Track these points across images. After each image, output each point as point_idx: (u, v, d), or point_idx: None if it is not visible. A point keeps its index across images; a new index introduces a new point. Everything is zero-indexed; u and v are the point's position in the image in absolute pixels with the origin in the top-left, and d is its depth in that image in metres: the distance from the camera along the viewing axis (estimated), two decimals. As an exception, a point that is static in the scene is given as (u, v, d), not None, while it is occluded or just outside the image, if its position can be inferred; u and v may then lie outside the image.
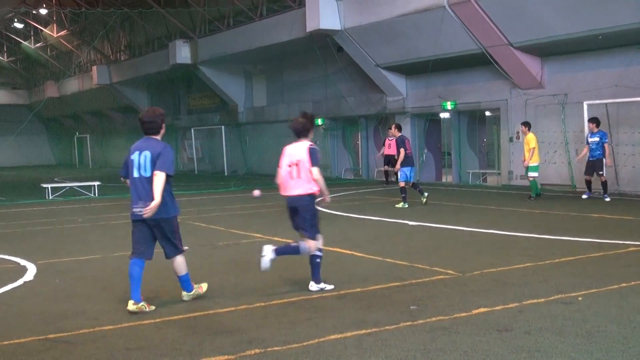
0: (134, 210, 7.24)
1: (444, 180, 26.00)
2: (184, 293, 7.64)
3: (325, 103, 29.91)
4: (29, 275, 9.23)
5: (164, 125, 7.53)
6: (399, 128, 18.00)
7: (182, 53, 33.96)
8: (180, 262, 7.57)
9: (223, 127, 36.46)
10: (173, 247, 7.50)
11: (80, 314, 7.11)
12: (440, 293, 7.60)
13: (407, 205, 16.78)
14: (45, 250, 11.62)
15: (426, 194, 17.33)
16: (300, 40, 26.55)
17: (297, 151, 8.03)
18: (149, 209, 6.99)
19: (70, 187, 23.94)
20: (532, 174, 17.86)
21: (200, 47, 33.27)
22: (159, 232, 7.37)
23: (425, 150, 26.13)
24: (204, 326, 6.53)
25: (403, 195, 16.94)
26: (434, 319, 6.52)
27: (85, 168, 50.51)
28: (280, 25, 27.30)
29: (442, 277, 8.45)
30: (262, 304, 7.31)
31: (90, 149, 52.76)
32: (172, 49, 34.32)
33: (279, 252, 8.03)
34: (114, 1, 36.14)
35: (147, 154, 7.23)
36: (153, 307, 7.24)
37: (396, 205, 16.97)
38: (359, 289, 7.88)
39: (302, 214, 7.96)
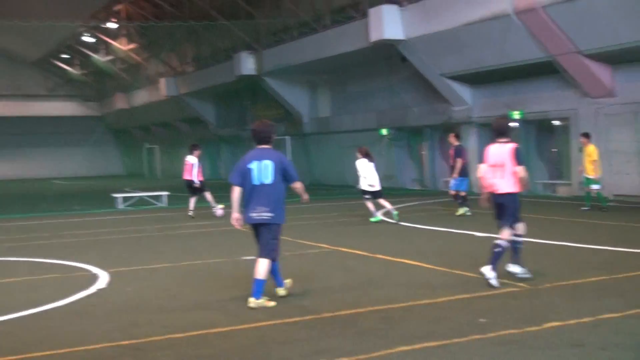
0: (251, 214, 7.78)
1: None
2: (279, 290, 8.23)
3: (390, 113, 29.82)
4: (102, 283, 9.44)
5: (273, 135, 8.16)
6: (458, 136, 17.81)
7: (247, 64, 34.37)
8: (263, 264, 7.90)
9: (288, 137, 36.70)
10: (264, 249, 7.89)
11: (150, 322, 7.23)
12: (511, 306, 7.47)
13: (469, 212, 16.94)
14: (117, 258, 11.87)
15: (464, 210, 17.15)
16: (364, 50, 26.56)
17: (501, 152, 8.73)
18: (305, 198, 8.38)
19: (140, 196, 24.42)
20: (595, 186, 17.49)
21: (265, 59, 33.61)
22: (262, 235, 7.89)
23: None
24: (271, 336, 6.56)
25: (459, 201, 17.25)
26: (504, 332, 6.40)
27: (154, 178, 51.50)
28: (344, 35, 27.37)
29: (512, 289, 8.30)
30: (330, 314, 7.31)
31: (159, 160, 53.80)
32: (237, 60, 34.76)
33: (494, 266, 8.56)
34: (180, 14, 36.82)
35: (267, 162, 7.80)
36: (273, 303, 7.74)
37: (456, 214, 17.12)
38: (427, 301, 7.80)
39: (507, 210, 8.74)
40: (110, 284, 9.44)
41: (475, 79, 24.29)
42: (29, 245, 13.97)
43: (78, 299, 8.47)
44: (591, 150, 17.25)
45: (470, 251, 11.63)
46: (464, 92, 25.27)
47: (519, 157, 8.63)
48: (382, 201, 16.48)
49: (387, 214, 16.71)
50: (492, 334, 6.33)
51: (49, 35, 46.93)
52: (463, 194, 17.37)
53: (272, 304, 7.81)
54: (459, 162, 17.08)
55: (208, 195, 19.01)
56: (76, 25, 42.14)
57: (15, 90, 62.04)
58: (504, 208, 8.76)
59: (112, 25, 45.12)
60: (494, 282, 8.41)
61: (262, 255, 7.88)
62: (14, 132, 61.85)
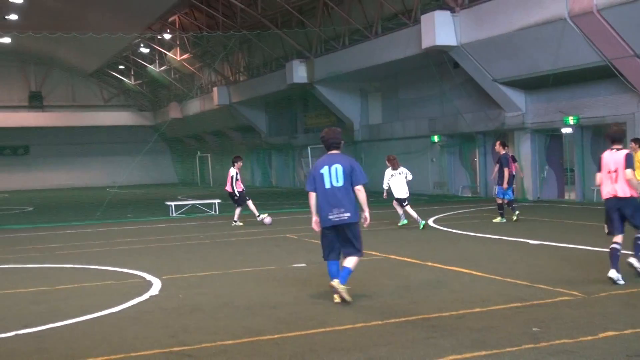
0: (330, 217, 8.26)
1: (566, 197, 25.11)
2: (334, 281, 8.35)
3: (442, 120, 29.61)
4: (155, 290, 9.56)
5: (342, 141, 8.70)
6: (504, 145, 17.64)
7: (299, 72, 34.54)
8: (351, 261, 8.42)
9: (339, 145, 36.69)
10: (353, 248, 8.42)
11: (202, 329, 7.29)
12: (564, 315, 7.32)
13: (504, 220, 17.16)
14: (170, 265, 12.02)
15: (517, 212, 17.47)
16: (416, 57, 26.44)
17: (616, 158, 9.06)
18: (367, 221, 8.53)
19: (192, 204, 24.69)
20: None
21: (316, 67, 33.74)
22: (343, 235, 8.35)
23: (547, 167, 25.36)
24: (321, 343, 6.55)
25: (500, 211, 17.42)
26: (557, 342, 6.28)
27: (207, 186, 52.06)
28: (395, 42, 27.29)
29: (566, 298, 8.14)
30: (380, 322, 7.27)
31: (211, 168, 54.39)
32: (289, 68, 34.97)
33: (617, 267, 8.94)
34: (233, 24, 37.21)
35: (338, 166, 8.30)
36: (349, 299, 8.17)
37: (493, 220, 17.37)
38: (478, 309, 7.70)
39: (630, 212, 9.01)
40: (162, 290, 9.56)
41: (529, 84, 23.95)
42: (84, 253, 14.25)
43: (131, 306, 8.59)
44: None
45: (524, 259, 11.44)
46: (518, 97, 24.93)
47: (629, 161, 8.95)
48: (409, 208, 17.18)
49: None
50: (545, 344, 6.21)
51: (106, 47, 47.91)
52: (500, 201, 17.47)
53: (348, 298, 8.19)
54: (507, 173, 17.15)
55: (250, 205, 19.22)
56: (132, 36, 42.92)
57: (73, 101, 63.55)
58: (623, 212, 9.02)
59: (166, 36, 45.83)
60: (621, 281, 8.78)
61: (353, 253, 8.42)
62: (72, 141, 63.36)
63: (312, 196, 8.40)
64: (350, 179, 8.27)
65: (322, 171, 8.32)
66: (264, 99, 42.89)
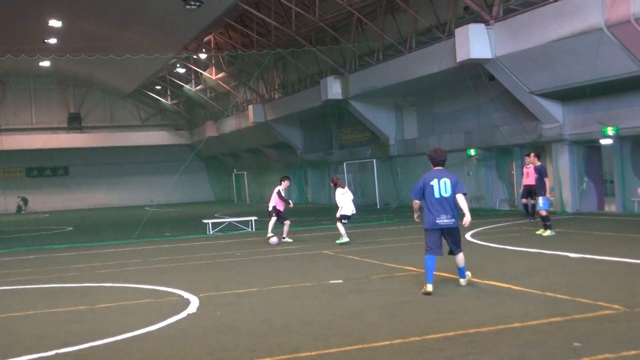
0: (437, 221, 9.97)
1: (606, 209, 24.71)
2: (461, 280, 10.35)
3: (478, 133, 29.40)
4: (192, 308, 9.60)
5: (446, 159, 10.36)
6: (539, 156, 17.61)
7: (334, 89, 34.61)
8: (461, 257, 10.24)
9: (374, 160, 36.68)
10: (458, 246, 10.18)
11: (239, 346, 7.29)
12: (606, 329, 7.18)
13: (554, 233, 16.86)
14: (207, 283, 12.06)
15: (544, 231, 17.21)
16: (451, 70, 26.34)
17: None
18: (467, 222, 9.97)
19: (229, 222, 24.81)
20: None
21: (350, 82, 33.79)
22: (450, 236, 10.10)
23: (586, 179, 25.01)
24: (359, 360, 6.51)
25: (548, 223, 17.15)
26: (599, 356, 6.16)
27: (243, 204, 52.31)
28: (429, 56, 27.23)
29: (608, 312, 7.99)
30: (418, 338, 7.20)
31: (247, 185, 54.64)
32: (323, 85, 35.07)
33: None
34: (267, 42, 37.49)
35: (446, 180, 10.02)
36: (430, 289, 9.63)
37: (543, 234, 17.05)
38: (517, 324, 7.58)
39: None
40: (200, 308, 9.59)
41: (566, 95, 23.68)
42: (122, 271, 14.38)
43: (170, 324, 8.63)
44: None
45: (563, 272, 11.27)
46: (555, 109, 24.67)
47: None
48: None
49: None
50: (586, 359, 6.09)
51: (142, 68, 48.61)
52: (544, 213, 17.24)
53: (469, 282, 10.27)
54: (547, 183, 17.29)
55: (271, 222, 19.13)
56: (168, 57, 43.46)
57: (110, 121, 64.51)
58: None
59: (202, 55, 46.31)
60: None
61: (458, 250, 10.20)
62: (109, 161, 64.23)
63: (416, 202, 10.36)
64: (454, 190, 9.95)
65: (432, 183, 10.01)
66: (299, 115, 43.05)
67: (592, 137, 23.88)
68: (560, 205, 24.94)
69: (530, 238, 16.70)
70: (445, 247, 10.18)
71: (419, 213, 10.53)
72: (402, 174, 35.23)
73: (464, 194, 10.09)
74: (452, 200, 9.97)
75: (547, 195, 17.09)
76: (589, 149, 24.96)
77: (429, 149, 10.71)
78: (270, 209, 19.20)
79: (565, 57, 21.56)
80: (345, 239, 17.76)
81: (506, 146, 27.37)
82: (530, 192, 19.71)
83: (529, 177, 19.40)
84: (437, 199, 9.96)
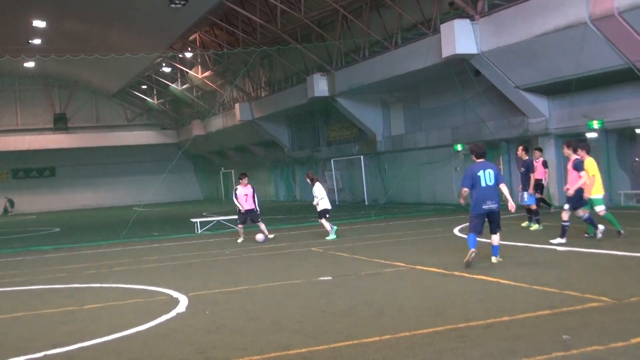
0: (484, 207, 11.48)
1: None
2: (493, 257, 11.85)
3: (464, 129, 29.48)
4: (181, 307, 9.58)
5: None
6: (527, 150, 17.84)
7: (320, 86, 34.59)
8: (498, 237, 11.79)
9: (362, 156, 36.72)
10: (498, 227, 11.75)
11: (229, 344, 7.29)
12: (595, 321, 7.22)
13: (541, 227, 17.00)
14: (196, 282, 12.04)
15: (536, 226, 17.28)
16: (436, 66, 26.38)
17: None
18: (513, 207, 11.72)
19: (217, 220, 24.77)
20: (598, 208, 14.16)
21: (337, 79, 33.79)
22: (493, 218, 11.62)
23: (572, 172, 25.10)
24: (349, 356, 6.51)
25: (537, 217, 17.35)
26: (588, 348, 6.19)
27: (231, 202, 52.16)
28: (415, 53, 27.27)
29: (596, 304, 8.03)
30: (407, 333, 7.22)
31: (235, 183, 54.55)
32: (309, 82, 35.06)
33: None
34: (253, 40, 37.42)
35: (490, 171, 11.54)
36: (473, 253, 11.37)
37: (530, 228, 17.20)
38: (506, 318, 7.62)
39: None
40: (189, 307, 9.58)
41: (552, 89, 23.78)
42: (111, 272, 14.34)
43: (159, 323, 8.62)
44: (588, 163, 14.20)
45: (552, 266, 11.33)
46: (541, 103, 24.77)
47: None
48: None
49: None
50: (575, 351, 6.13)
51: (128, 67, 48.40)
52: (534, 207, 17.43)
53: (498, 260, 11.71)
54: (532, 177, 17.40)
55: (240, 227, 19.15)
56: (153, 56, 43.31)
57: (97, 121, 64.24)
58: None
59: (187, 54, 46.19)
60: None
61: (497, 230, 11.76)
62: (96, 161, 63.96)
63: (466, 190, 11.73)
64: (497, 180, 11.51)
65: (479, 174, 11.48)
66: (286, 113, 43.02)
67: (577, 131, 23.99)
68: (548, 199, 25.02)
69: (518, 232, 16.77)
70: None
71: (464, 198, 12.05)
72: (389, 170, 35.29)
73: (504, 183, 11.77)
74: (494, 188, 11.50)
75: (531, 190, 17.22)
76: (578, 143, 25.02)
77: (470, 145, 12.32)
78: (243, 209, 18.98)
79: (551, 51, 21.64)
80: (334, 234, 17.79)
81: (493, 141, 27.45)
82: (538, 185, 19.34)
83: (538, 171, 19.14)
84: (483, 187, 11.44)
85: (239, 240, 18.78)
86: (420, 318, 7.94)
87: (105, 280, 12.89)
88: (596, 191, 13.87)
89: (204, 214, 33.62)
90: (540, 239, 14.93)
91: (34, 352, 7.39)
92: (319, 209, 18.35)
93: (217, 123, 52.60)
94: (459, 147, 29.60)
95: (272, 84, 44.41)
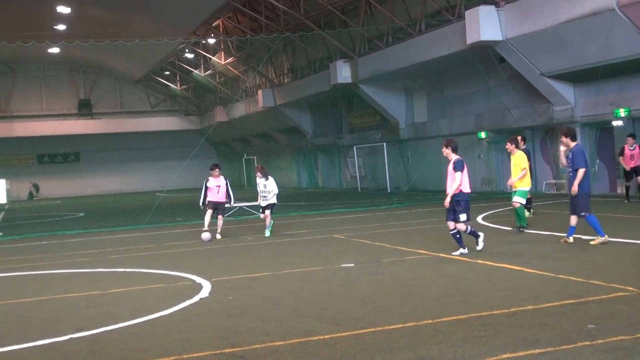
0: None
1: (619, 191, 24.57)
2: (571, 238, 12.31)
3: (488, 116, 29.27)
4: (204, 292, 9.62)
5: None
6: (524, 140, 17.60)
7: (343, 73, 34.48)
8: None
9: (385, 144, 36.60)
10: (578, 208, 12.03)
11: (252, 330, 7.30)
12: (620, 311, 7.14)
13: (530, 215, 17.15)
14: (219, 268, 12.09)
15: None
16: (461, 53, 26.19)
17: None
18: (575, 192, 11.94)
19: (240, 207, 24.83)
20: (518, 199, 14.49)
21: (360, 66, 33.65)
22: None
23: (597, 161, 24.87)
24: (371, 343, 6.50)
25: (529, 205, 17.29)
26: (614, 338, 6.13)
27: (253, 188, 52.26)
28: (439, 39, 27.07)
29: (622, 294, 7.95)
30: (430, 321, 7.19)
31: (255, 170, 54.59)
32: (332, 69, 34.95)
33: None
34: (276, 26, 37.35)
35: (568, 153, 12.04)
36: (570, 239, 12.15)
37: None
38: (530, 307, 7.56)
39: None
40: (212, 292, 9.61)
41: (578, 77, 23.52)
42: (135, 257, 14.44)
43: (182, 308, 8.66)
44: (518, 157, 14.69)
45: (576, 255, 11.23)
46: (566, 91, 24.51)
47: None
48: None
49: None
50: (600, 341, 6.07)
51: (151, 53, 48.54)
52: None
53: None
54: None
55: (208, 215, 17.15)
56: (177, 42, 43.39)
57: (120, 107, 64.65)
58: None
59: (210, 40, 46.23)
60: None
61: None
62: (120, 147, 64.42)
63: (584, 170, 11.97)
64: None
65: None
66: (309, 100, 42.97)
67: (604, 119, 23.73)
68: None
69: (542, 220, 16.64)
70: None
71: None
72: (412, 158, 35.16)
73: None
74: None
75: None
76: (601, 131, 24.80)
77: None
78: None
79: (577, 38, 21.39)
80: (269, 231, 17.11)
81: (517, 129, 27.21)
82: (634, 173, 20.31)
83: (634, 159, 19.93)
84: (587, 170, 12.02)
85: (206, 235, 16.72)
86: (444, 306, 7.90)
87: (129, 265, 12.98)
88: (525, 184, 14.60)
89: (234, 201, 33.66)
90: (564, 228, 14.78)
91: (59, 336, 7.46)
92: (266, 203, 17.09)
93: (240, 109, 52.66)
94: (483, 135, 29.40)
95: (295, 70, 44.34)
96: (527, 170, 14.52)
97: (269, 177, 17.29)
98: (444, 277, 9.87)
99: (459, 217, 11.53)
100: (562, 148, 12.67)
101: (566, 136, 12.37)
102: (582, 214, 12.02)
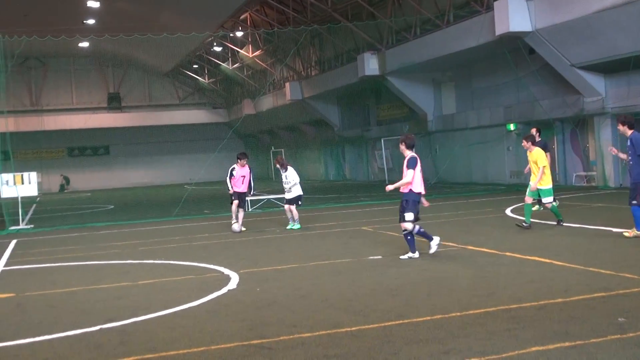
0: None
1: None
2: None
3: (517, 108, 29.01)
4: (233, 284, 9.68)
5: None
6: (539, 132, 17.73)
7: (370, 65, 34.37)
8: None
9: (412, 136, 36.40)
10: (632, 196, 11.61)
11: (280, 321, 7.33)
12: (652, 304, 7.06)
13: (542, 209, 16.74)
14: (247, 260, 12.15)
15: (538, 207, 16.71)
16: (489, 44, 25.97)
17: None
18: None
19: (267, 199, 24.90)
20: (547, 199, 14.24)
21: (388, 58, 33.52)
22: None
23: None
24: (399, 335, 6.49)
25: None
26: (645, 332, 6.06)
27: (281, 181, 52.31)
28: (468, 31, 26.87)
29: (654, 287, 7.86)
30: (458, 313, 7.16)
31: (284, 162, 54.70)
32: (360, 61, 34.86)
33: None
34: (304, 19, 37.33)
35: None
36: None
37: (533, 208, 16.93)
38: (560, 300, 7.50)
39: None
40: (240, 284, 9.66)
41: (609, 68, 23.22)
42: (164, 249, 14.55)
43: (210, 299, 8.72)
44: (536, 154, 14.22)
45: (607, 247, 11.11)
46: (597, 82, 24.21)
47: None
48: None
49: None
50: (632, 334, 6.00)
51: (180, 47, 48.73)
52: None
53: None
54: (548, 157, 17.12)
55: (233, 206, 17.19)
56: (205, 35, 43.56)
57: (149, 100, 65.08)
58: None
59: (238, 33, 46.33)
60: None
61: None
62: (149, 140, 64.86)
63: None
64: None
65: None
66: (336, 92, 42.91)
67: (635, 110, 23.38)
68: (602, 180, 24.57)
69: (572, 213, 16.48)
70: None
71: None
72: (440, 150, 34.98)
73: None
74: None
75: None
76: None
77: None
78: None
79: (608, 28, 21.10)
80: (299, 224, 17.05)
81: (547, 120, 26.97)
82: None
83: None
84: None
85: (236, 227, 16.90)
86: (472, 298, 7.87)
87: (158, 257, 13.09)
88: (546, 182, 14.01)
89: (254, 192, 33.80)
90: (595, 220, 14.65)
91: (90, 326, 7.55)
92: (292, 195, 17.08)
93: (268, 102, 52.76)
94: (512, 127, 29.16)
95: (323, 62, 44.30)
96: (546, 167, 13.98)
97: (288, 167, 17.34)
98: (472, 269, 9.82)
99: (404, 217, 11.00)
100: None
101: (623, 124, 11.90)
102: (634, 202, 11.52)
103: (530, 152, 14.27)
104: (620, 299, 7.40)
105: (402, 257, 11.09)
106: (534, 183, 13.95)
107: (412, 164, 11.06)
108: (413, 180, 11.05)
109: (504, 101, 30.00)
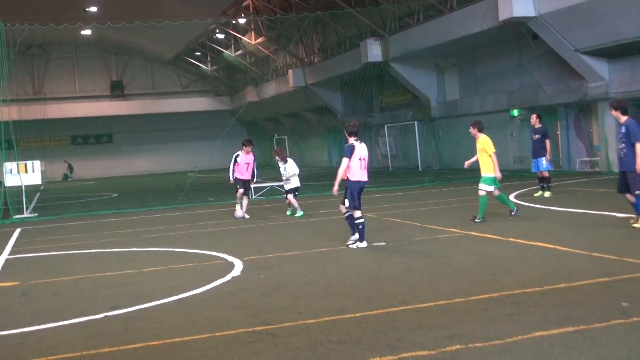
0: None
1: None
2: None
3: (521, 93, 28.93)
4: (236, 271, 9.70)
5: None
6: (540, 118, 17.84)
7: (374, 51, 34.28)
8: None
9: (416, 122, 36.39)
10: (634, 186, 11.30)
11: (284, 308, 7.36)
12: (655, 289, 7.07)
13: (552, 194, 17.26)
14: (250, 247, 12.17)
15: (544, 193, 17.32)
16: (493, 30, 25.88)
17: None
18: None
19: (271, 186, 24.91)
20: (486, 187, 13.49)
21: (391, 44, 33.42)
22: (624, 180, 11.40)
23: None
24: (403, 321, 6.51)
25: (549, 184, 17.68)
26: (649, 316, 6.07)
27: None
28: (471, 16, 26.77)
29: (657, 272, 7.86)
30: (462, 299, 7.18)
31: (288, 149, 54.75)
32: (363, 48, 34.77)
33: None
34: (306, 5, 37.20)
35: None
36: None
37: (544, 195, 17.42)
38: (563, 285, 7.51)
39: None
40: (244, 271, 9.69)
41: (613, 52, 23.12)
42: (168, 236, 14.59)
43: (215, 287, 8.74)
44: (483, 141, 13.88)
45: (610, 232, 11.11)
46: (601, 67, 24.11)
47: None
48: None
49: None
50: (635, 319, 6.01)
51: (182, 34, 48.69)
52: (546, 174, 17.56)
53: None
54: (548, 143, 17.48)
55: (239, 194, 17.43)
56: (207, 22, 43.46)
57: (152, 88, 65.01)
58: None
59: (241, 20, 46.20)
60: None
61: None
62: (152, 128, 64.88)
63: None
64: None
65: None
66: (339, 79, 42.82)
67: (639, 95, 23.33)
68: (606, 165, 24.53)
69: (576, 198, 16.47)
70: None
71: None
72: (444, 136, 34.93)
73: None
74: None
75: (548, 157, 17.32)
76: (636, 108, 24.36)
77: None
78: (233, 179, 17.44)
79: (612, 13, 21.01)
80: (301, 211, 17.10)
81: (550, 106, 26.91)
82: None
83: None
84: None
85: (239, 213, 17.17)
86: (475, 284, 7.88)
87: (163, 245, 13.13)
88: (490, 169, 13.57)
89: (257, 179, 33.80)
90: (598, 206, 14.64)
91: (95, 314, 7.59)
92: (291, 186, 17.24)
93: (271, 89, 52.69)
94: (515, 113, 29.10)
95: (325, 49, 44.19)
96: (494, 155, 13.45)
97: (288, 159, 17.47)
98: (476, 255, 9.84)
99: (344, 202, 11.26)
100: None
101: (616, 109, 11.67)
102: (638, 192, 11.27)
103: (477, 139, 13.71)
104: (623, 283, 7.41)
105: (348, 243, 11.36)
106: (496, 173, 13.38)
107: (347, 152, 11.24)
108: (350, 167, 11.15)
109: (508, 87, 29.92)
